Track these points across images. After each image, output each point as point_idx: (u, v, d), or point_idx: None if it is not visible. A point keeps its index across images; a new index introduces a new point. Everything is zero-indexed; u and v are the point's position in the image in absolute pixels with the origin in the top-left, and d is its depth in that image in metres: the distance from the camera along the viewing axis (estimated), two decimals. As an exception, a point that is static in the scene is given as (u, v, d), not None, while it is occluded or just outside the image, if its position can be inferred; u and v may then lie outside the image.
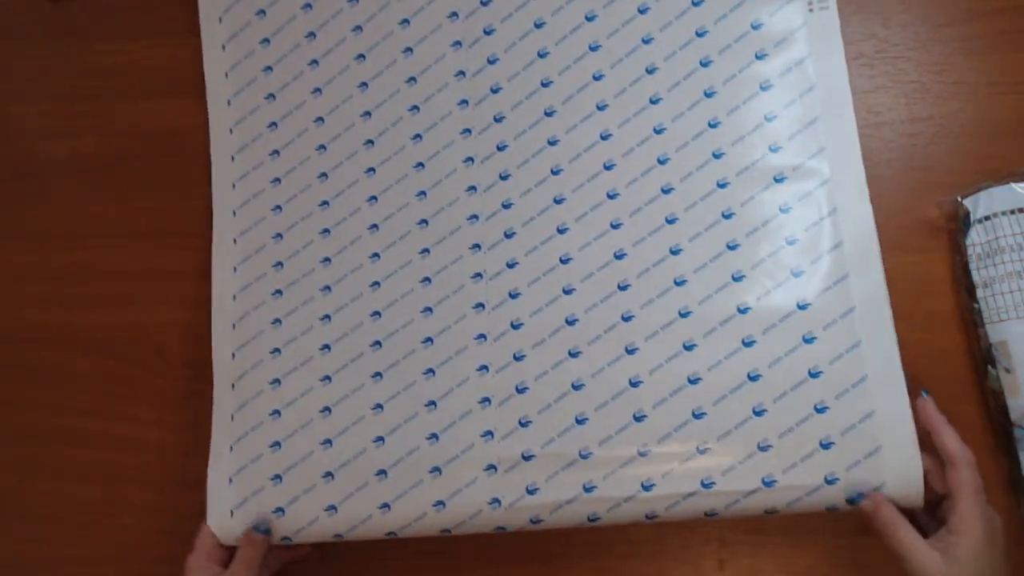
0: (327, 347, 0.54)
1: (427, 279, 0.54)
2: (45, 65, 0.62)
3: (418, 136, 0.56)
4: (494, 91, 0.55)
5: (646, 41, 0.54)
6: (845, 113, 0.52)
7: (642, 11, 0.55)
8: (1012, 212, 0.49)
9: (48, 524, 0.59)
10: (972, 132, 0.52)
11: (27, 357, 0.60)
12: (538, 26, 0.56)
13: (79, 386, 0.59)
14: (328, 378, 0.54)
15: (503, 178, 0.54)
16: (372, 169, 0.56)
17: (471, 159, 0.55)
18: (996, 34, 0.52)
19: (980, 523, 0.42)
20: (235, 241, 0.57)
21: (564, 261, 0.53)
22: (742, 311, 0.50)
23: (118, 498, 0.58)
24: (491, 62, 0.56)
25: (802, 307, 0.50)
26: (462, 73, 0.56)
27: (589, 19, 0.55)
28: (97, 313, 0.60)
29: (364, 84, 0.57)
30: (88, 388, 0.59)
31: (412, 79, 0.57)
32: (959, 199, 0.51)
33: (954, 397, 0.50)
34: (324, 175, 0.56)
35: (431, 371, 0.53)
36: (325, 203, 0.56)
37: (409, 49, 0.57)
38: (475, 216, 0.54)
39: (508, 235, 0.53)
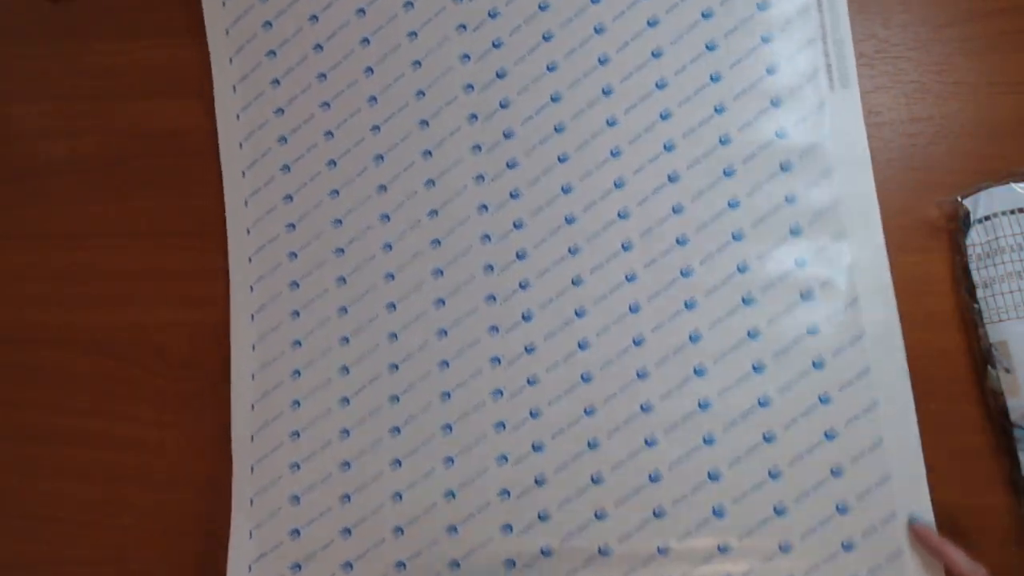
0: (346, 432, 0.54)
1: (445, 363, 0.54)
2: (45, 65, 0.62)
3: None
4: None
5: (668, 148, 0.53)
6: (870, 205, 0.51)
7: (664, 117, 0.53)
8: (1012, 212, 0.49)
9: (48, 524, 0.59)
10: (972, 132, 0.52)
11: (27, 357, 0.60)
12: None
13: (79, 386, 0.59)
14: (348, 464, 0.54)
15: (520, 257, 0.54)
16: (389, 245, 0.56)
17: (488, 237, 0.54)
18: (996, 34, 0.52)
19: None
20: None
21: (582, 347, 0.52)
22: (763, 404, 0.50)
23: (118, 498, 0.58)
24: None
25: (824, 400, 0.50)
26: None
27: (605, 93, 0.54)
28: (97, 313, 0.60)
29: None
30: (88, 388, 0.59)
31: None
32: (959, 199, 0.51)
33: (954, 397, 0.50)
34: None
35: (450, 459, 0.53)
36: (342, 280, 0.56)
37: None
38: (492, 296, 0.54)
39: (525, 317, 0.53)
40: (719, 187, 0.52)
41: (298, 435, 0.55)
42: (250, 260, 0.57)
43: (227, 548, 0.56)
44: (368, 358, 0.54)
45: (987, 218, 0.50)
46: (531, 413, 0.52)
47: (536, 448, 0.52)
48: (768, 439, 0.50)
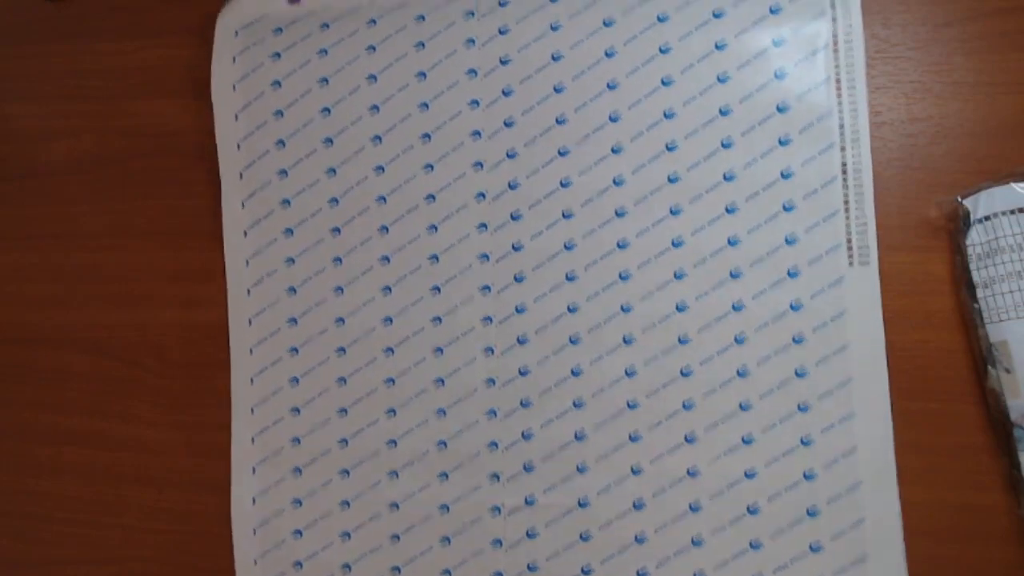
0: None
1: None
2: (45, 65, 0.62)
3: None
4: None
5: (680, 308, 0.52)
6: (881, 388, 0.50)
7: (679, 276, 0.52)
8: (1012, 212, 0.49)
9: (48, 524, 0.59)
10: (972, 132, 0.52)
11: (27, 357, 0.60)
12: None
13: (79, 386, 0.59)
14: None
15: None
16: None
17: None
18: (996, 34, 0.52)
19: None
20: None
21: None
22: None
23: (118, 498, 0.58)
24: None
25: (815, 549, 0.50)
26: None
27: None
28: (97, 313, 0.60)
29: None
30: (88, 388, 0.59)
31: (424, 104, 0.55)
32: (959, 199, 0.51)
33: (954, 397, 0.50)
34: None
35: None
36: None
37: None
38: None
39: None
40: (729, 353, 0.51)
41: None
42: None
43: (228, 549, 0.56)
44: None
45: (987, 218, 0.50)
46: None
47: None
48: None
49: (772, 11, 0.52)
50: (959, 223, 0.51)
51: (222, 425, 0.57)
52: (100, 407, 0.59)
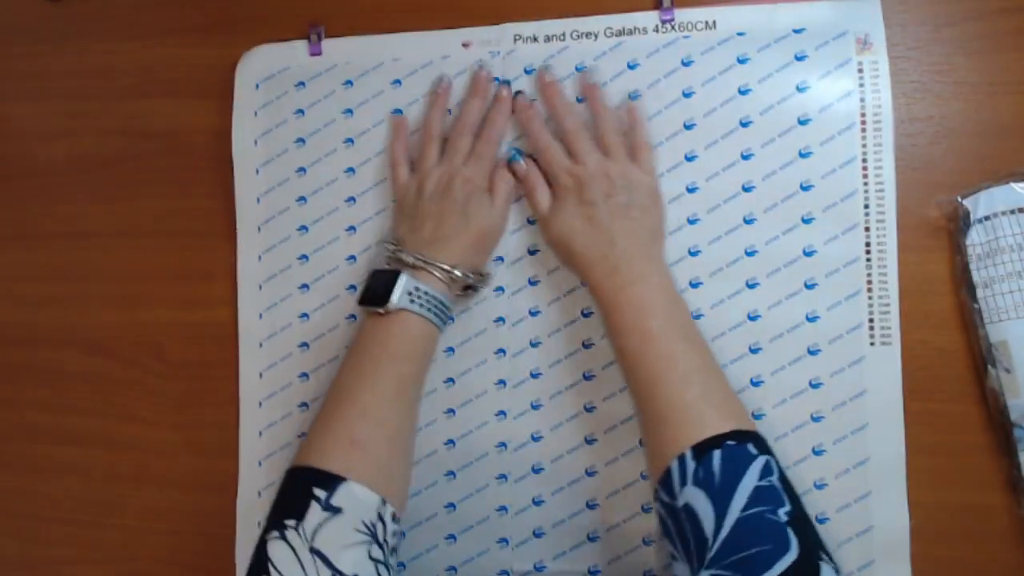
0: None
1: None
2: (45, 65, 0.62)
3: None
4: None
5: None
6: (898, 468, 0.50)
7: None
8: (1012, 212, 0.49)
9: (48, 524, 0.59)
10: (972, 132, 0.52)
11: (27, 357, 0.60)
12: None
13: (79, 386, 0.59)
14: None
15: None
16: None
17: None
18: (996, 34, 0.52)
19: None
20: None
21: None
22: None
23: (118, 498, 0.58)
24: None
25: None
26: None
27: None
28: (97, 313, 0.60)
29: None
30: (88, 388, 0.59)
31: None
32: (959, 199, 0.51)
33: (954, 397, 0.50)
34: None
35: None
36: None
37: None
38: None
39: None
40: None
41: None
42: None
43: (228, 548, 0.56)
44: None
45: (987, 218, 0.50)
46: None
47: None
48: None
49: (799, 88, 0.51)
50: (959, 223, 0.51)
51: (222, 424, 0.57)
52: (100, 407, 0.59)
